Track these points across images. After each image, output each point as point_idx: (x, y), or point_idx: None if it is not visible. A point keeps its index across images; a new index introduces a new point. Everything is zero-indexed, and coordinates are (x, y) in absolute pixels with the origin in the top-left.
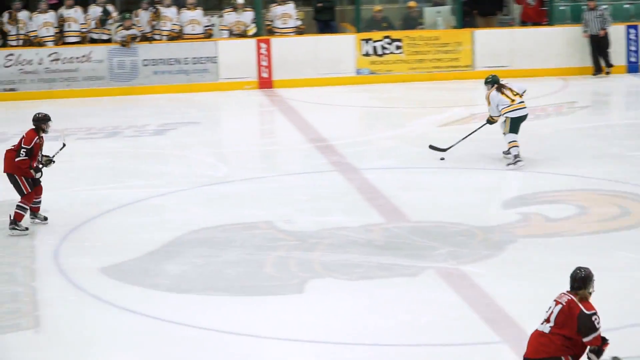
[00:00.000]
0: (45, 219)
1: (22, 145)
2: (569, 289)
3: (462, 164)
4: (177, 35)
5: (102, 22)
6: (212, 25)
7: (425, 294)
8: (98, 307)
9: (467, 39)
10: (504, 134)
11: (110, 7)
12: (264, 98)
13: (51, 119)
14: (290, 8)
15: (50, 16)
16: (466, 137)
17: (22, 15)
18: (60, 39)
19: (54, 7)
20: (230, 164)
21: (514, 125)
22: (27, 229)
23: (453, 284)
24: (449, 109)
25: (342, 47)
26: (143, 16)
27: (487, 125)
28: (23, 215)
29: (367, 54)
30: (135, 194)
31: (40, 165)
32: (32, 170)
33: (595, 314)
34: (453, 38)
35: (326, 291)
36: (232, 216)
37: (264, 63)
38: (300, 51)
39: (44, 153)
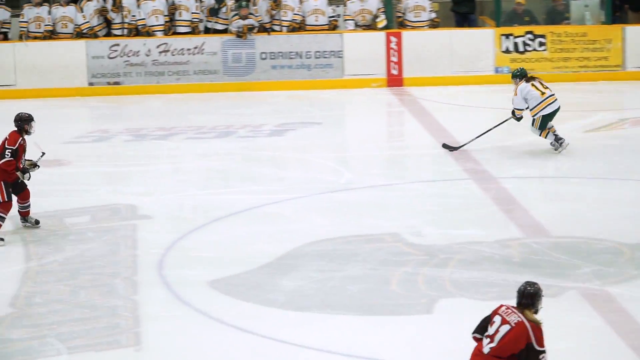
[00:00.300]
0: (37, 222)
1: (7, 146)
2: (514, 305)
3: (608, 175)
4: (298, 27)
5: (215, 11)
6: (338, 16)
7: (567, 317)
8: (205, 323)
9: (618, 35)
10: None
11: None
12: (393, 97)
13: (34, 119)
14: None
15: (159, 3)
16: (484, 133)
17: (128, 2)
18: (170, 28)
19: None
20: (353, 170)
21: (544, 122)
22: (2, 239)
23: (597, 306)
24: (596, 113)
25: (480, 43)
26: (261, 5)
27: (512, 119)
28: (0, 225)
29: (507, 51)
30: (248, 200)
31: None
32: (19, 172)
33: (544, 352)
34: (602, 35)
35: (458, 312)
36: (354, 227)
37: (394, 59)
38: (434, 46)
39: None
